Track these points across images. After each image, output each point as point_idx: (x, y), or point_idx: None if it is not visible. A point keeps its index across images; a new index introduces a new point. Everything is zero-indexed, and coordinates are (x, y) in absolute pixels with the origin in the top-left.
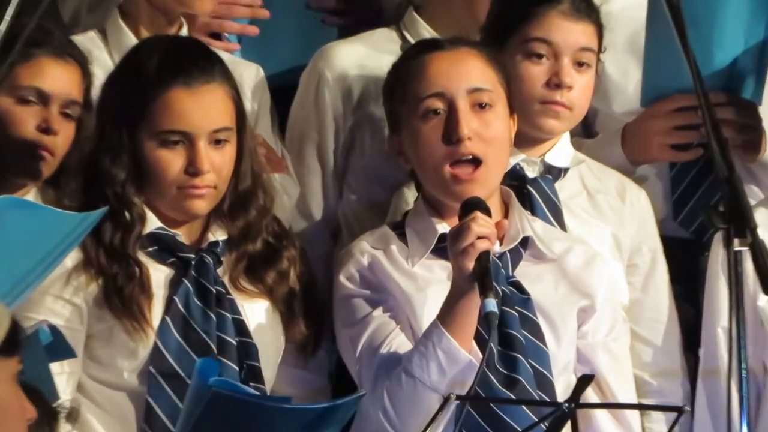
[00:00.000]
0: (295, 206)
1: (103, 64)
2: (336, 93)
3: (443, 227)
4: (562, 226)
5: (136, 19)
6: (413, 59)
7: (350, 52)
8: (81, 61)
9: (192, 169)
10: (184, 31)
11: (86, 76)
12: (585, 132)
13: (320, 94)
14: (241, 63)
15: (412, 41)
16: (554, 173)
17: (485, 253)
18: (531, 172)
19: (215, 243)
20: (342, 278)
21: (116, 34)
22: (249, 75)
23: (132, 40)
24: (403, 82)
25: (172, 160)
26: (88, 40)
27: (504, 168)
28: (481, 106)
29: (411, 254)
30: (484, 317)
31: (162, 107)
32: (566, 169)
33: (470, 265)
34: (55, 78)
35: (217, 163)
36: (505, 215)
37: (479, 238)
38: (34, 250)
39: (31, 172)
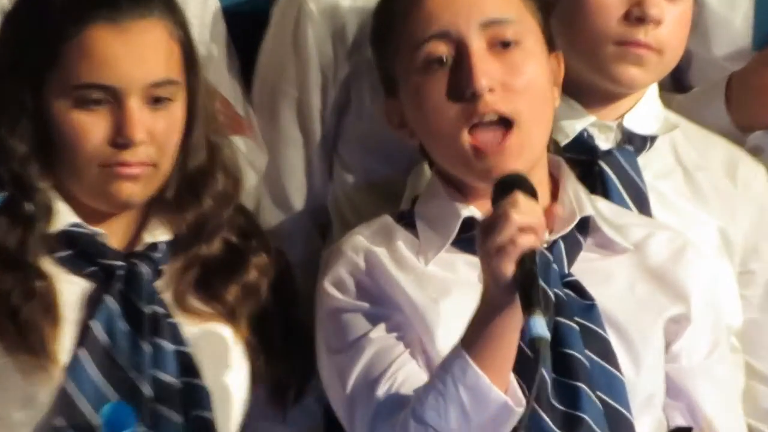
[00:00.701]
0: (266, 189)
1: None
2: (323, 31)
3: (469, 210)
4: (649, 216)
5: None
6: None
7: None
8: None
9: (120, 138)
10: None
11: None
12: (675, 84)
13: (301, 33)
14: None
15: None
16: (637, 143)
17: (530, 253)
18: (604, 142)
19: (153, 246)
20: (328, 285)
21: None
22: (195, 1)
23: None
24: (393, 24)
25: (93, 127)
26: None
27: (547, 129)
28: (504, 45)
29: (423, 248)
30: (530, 343)
31: (77, 52)
32: (653, 138)
33: (509, 269)
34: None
35: (157, 131)
36: (555, 195)
37: (521, 231)
38: None
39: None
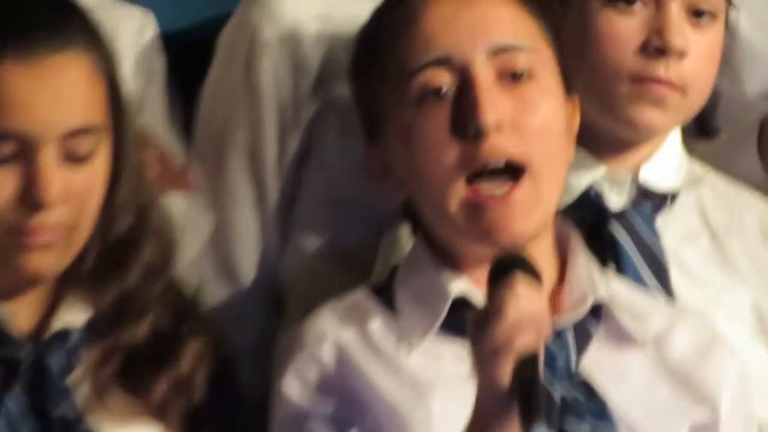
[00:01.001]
0: (210, 257)
1: None
2: (282, 64)
3: (460, 284)
4: (668, 290)
5: None
6: (396, 7)
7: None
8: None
9: (30, 198)
10: None
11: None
12: (699, 128)
13: (254, 67)
14: (118, 6)
15: None
16: (655, 201)
17: (531, 356)
18: (616, 199)
19: (64, 334)
20: (286, 385)
21: None
22: (129, 27)
23: None
24: (381, 48)
25: None
26: None
27: (560, 185)
28: (515, 77)
29: (405, 334)
30: None
31: None
32: (675, 194)
33: (505, 375)
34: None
35: (75, 189)
36: (563, 274)
37: (520, 328)
38: None
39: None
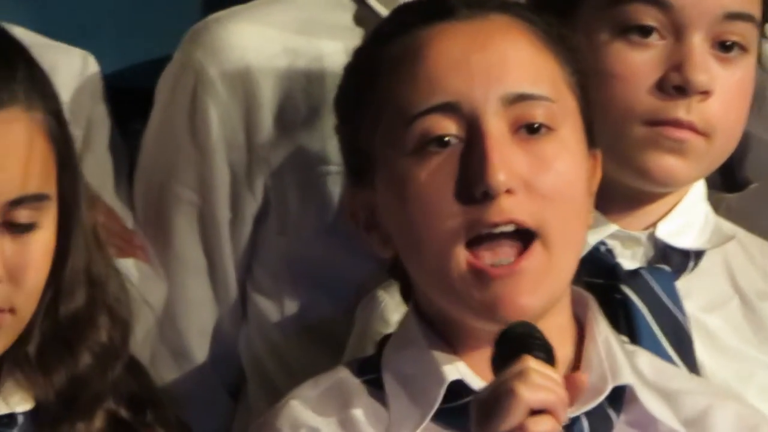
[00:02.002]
0: (160, 333)
1: None
2: (230, 109)
3: (455, 367)
4: (692, 364)
5: None
6: (397, 37)
7: (255, 30)
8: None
9: None
10: None
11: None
12: (725, 178)
13: (200, 113)
14: (56, 47)
15: (380, 6)
16: (676, 261)
17: None
18: (629, 260)
19: (9, 418)
20: None
21: None
22: (68, 69)
23: None
24: (377, 84)
25: None
26: None
27: (578, 252)
28: (532, 130)
29: (394, 425)
30: None
31: None
32: (700, 253)
33: None
34: None
35: (16, 265)
36: (580, 350)
37: (534, 413)
38: None
39: None
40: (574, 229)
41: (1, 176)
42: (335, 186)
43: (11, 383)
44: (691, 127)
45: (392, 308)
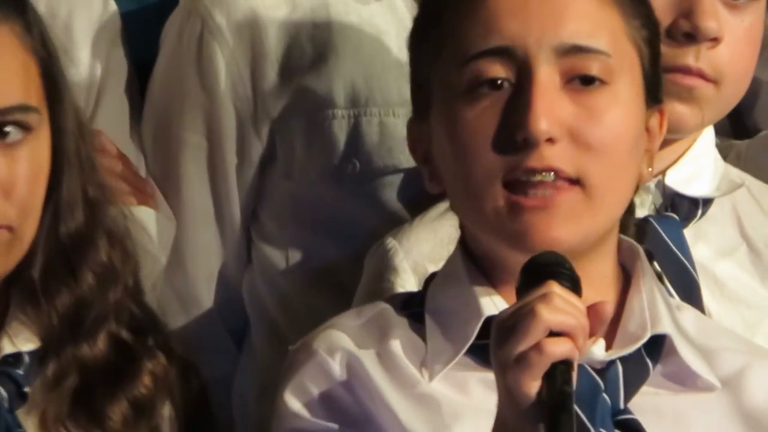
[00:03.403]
0: (167, 278)
1: None
2: (237, 54)
3: (493, 303)
4: (700, 310)
5: None
6: None
7: None
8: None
9: None
10: None
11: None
12: (734, 126)
13: (206, 58)
14: None
15: None
16: (684, 209)
17: (563, 367)
18: (638, 208)
19: (16, 357)
20: (289, 397)
21: None
22: (89, 13)
23: None
24: (439, 20)
25: None
26: None
27: (622, 203)
28: (585, 81)
29: (430, 356)
30: None
31: None
32: (708, 201)
33: (532, 387)
34: None
35: (12, 179)
36: (623, 300)
37: (552, 334)
38: None
39: None
40: (618, 181)
41: None
42: (341, 130)
43: (17, 323)
44: (701, 74)
45: (401, 255)
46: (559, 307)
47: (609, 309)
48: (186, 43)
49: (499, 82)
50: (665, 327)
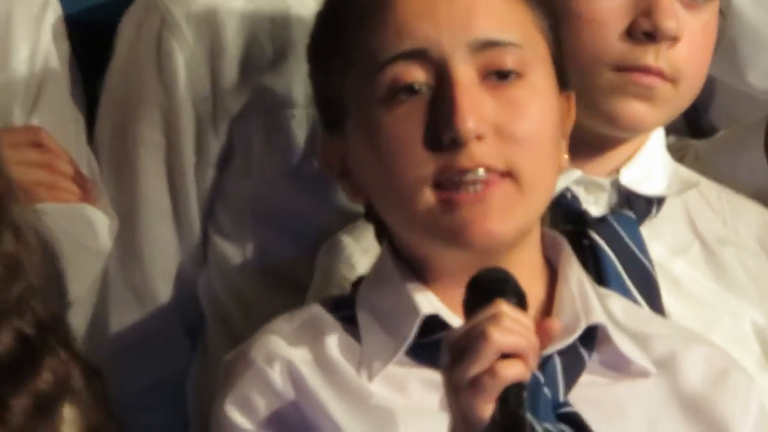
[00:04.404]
0: (119, 276)
1: None
2: (196, 51)
3: (429, 301)
4: (659, 308)
5: None
6: None
7: None
8: None
9: None
10: None
11: None
12: (690, 125)
13: (164, 56)
14: None
15: None
16: (639, 207)
17: (516, 389)
18: (594, 206)
19: None
20: (229, 408)
21: None
22: (28, 6)
23: None
24: (346, 31)
25: None
26: None
27: (548, 192)
28: (501, 76)
29: (367, 357)
30: None
31: None
32: (662, 200)
33: (486, 410)
34: None
35: None
36: (552, 292)
37: (504, 356)
38: None
39: None
40: (545, 170)
41: None
42: (299, 129)
43: None
44: (659, 73)
45: (358, 252)
46: (509, 328)
47: (557, 326)
48: (144, 38)
49: (416, 86)
50: (598, 317)
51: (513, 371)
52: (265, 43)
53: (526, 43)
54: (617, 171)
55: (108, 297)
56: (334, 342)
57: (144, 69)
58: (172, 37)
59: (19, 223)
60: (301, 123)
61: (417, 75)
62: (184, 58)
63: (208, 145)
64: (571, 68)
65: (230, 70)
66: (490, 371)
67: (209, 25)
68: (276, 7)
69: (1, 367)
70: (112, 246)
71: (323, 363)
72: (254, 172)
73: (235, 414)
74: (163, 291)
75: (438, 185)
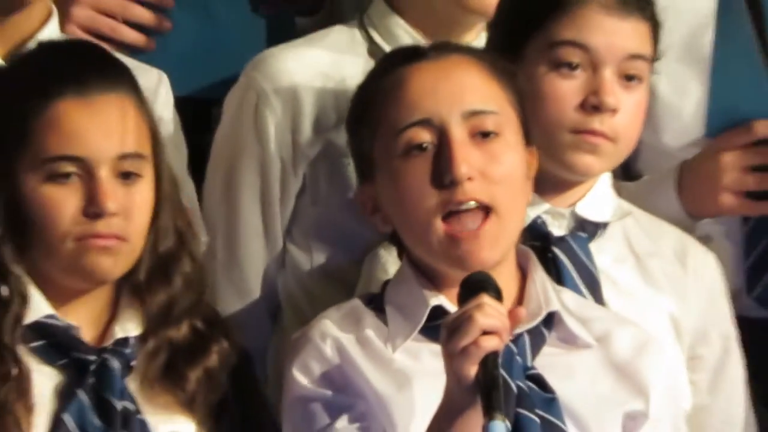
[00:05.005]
0: (224, 277)
1: None
2: (282, 118)
3: (437, 299)
4: (601, 303)
5: None
6: (386, 75)
7: (299, 61)
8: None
9: (92, 208)
10: (54, 25)
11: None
12: (624, 172)
13: (260, 121)
14: (136, 66)
15: (383, 43)
16: (590, 230)
17: (493, 356)
18: (557, 229)
19: (124, 341)
20: (295, 372)
21: None
22: (146, 85)
23: None
24: (374, 108)
25: (65, 199)
26: None
27: (521, 220)
28: (484, 135)
29: (392, 335)
30: None
31: (46, 127)
32: (606, 225)
33: (471, 371)
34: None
35: (128, 204)
36: (522, 285)
37: (485, 333)
38: None
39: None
40: (517, 204)
41: (116, 137)
42: (353, 173)
43: (126, 315)
44: (603, 135)
45: (390, 262)
46: (489, 313)
47: (522, 313)
48: (245, 108)
49: (424, 145)
50: (555, 306)
51: (491, 343)
52: (330, 110)
53: (501, 112)
54: (575, 204)
55: (216, 291)
56: (368, 325)
57: (245, 130)
58: (266, 108)
59: (194, 251)
60: (353, 169)
61: (424, 137)
62: (274, 123)
63: (289, 184)
64: (538, 130)
65: (306, 131)
66: (475, 343)
67: (292, 99)
68: (338, 86)
69: (181, 349)
70: (219, 254)
71: (360, 339)
72: (320, 203)
73: (298, 375)
74: (255, 287)
75: (444, 217)
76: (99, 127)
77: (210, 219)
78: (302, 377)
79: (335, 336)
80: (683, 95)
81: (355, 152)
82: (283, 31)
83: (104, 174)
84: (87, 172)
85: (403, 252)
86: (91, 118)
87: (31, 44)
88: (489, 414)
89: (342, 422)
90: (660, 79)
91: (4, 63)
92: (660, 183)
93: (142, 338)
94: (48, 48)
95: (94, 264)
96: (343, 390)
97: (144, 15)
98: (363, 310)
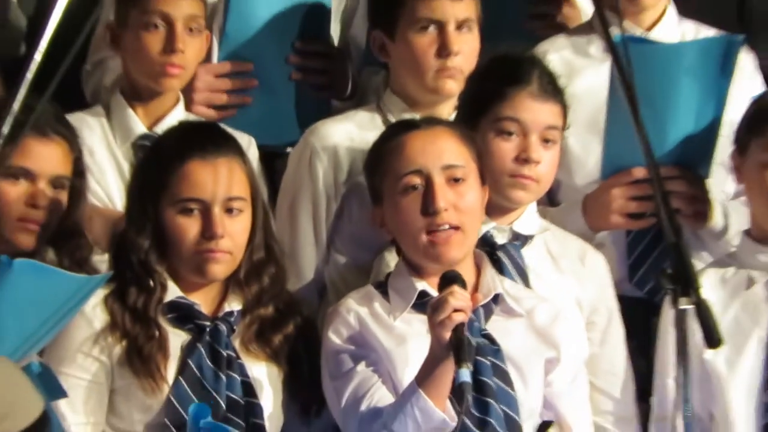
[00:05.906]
0: (290, 269)
1: (103, 136)
2: (327, 165)
3: (422, 285)
4: (527, 286)
5: (131, 95)
6: (392, 139)
7: (339, 129)
8: (66, 136)
9: (208, 233)
10: (180, 107)
11: (73, 149)
12: (549, 201)
13: (313, 167)
14: (234, 133)
15: (392, 119)
16: (521, 240)
17: (461, 325)
18: (500, 239)
19: (230, 313)
20: (330, 334)
21: (117, 108)
22: (241, 144)
23: (128, 112)
24: (384, 160)
25: (190, 226)
26: (93, 115)
27: (477, 233)
28: (455, 180)
29: (393, 309)
30: (458, 386)
31: (181, 178)
32: (532, 237)
33: (446, 336)
34: (40, 156)
35: (232, 230)
36: (478, 276)
37: (455, 311)
38: (43, 310)
39: (21, 243)
40: (476, 224)
41: (226, 185)
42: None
43: (232, 296)
44: (531, 178)
45: (391, 260)
46: (458, 297)
47: (479, 297)
48: (303, 159)
49: (416, 187)
50: (499, 289)
51: (459, 317)
52: (358, 162)
53: (467, 165)
54: (512, 223)
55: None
56: (377, 302)
57: (302, 173)
58: (317, 159)
59: (279, 256)
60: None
61: (416, 181)
62: (322, 169)
63: (331, 209)
64: (489, 175)
65: (342, 174)
66: (449, 317)
67: (334, 154)
68: (363, 146)
69: (268, 322)
70: (285, 257)
71: (372, 312)
72: (353, 221)
73: (332, 336)
74: (308, 277)
75: (428, 233)
76: (214, 179)
77: (278, 233)
78: (335, 337)
79: (356, 310)
80: (588, 151)
81: (371, 188)
82: (324, 110)
83: (216, 210)
84: (205, 209)
85: (400, 253)
86: (209, 173)
87: (168, 119)
88: (458, 363)
89: (361, 366)
90: (572, 140)
91: (152, 133)
92: (571, 209)
93: (243, 313)
94: (183, 126)
95: (209, 269)
96: (362, 346)
97: (235, 95)
98: (374, 293)
